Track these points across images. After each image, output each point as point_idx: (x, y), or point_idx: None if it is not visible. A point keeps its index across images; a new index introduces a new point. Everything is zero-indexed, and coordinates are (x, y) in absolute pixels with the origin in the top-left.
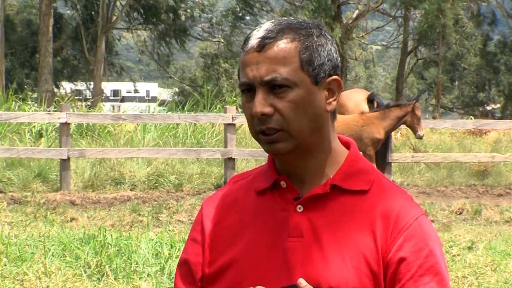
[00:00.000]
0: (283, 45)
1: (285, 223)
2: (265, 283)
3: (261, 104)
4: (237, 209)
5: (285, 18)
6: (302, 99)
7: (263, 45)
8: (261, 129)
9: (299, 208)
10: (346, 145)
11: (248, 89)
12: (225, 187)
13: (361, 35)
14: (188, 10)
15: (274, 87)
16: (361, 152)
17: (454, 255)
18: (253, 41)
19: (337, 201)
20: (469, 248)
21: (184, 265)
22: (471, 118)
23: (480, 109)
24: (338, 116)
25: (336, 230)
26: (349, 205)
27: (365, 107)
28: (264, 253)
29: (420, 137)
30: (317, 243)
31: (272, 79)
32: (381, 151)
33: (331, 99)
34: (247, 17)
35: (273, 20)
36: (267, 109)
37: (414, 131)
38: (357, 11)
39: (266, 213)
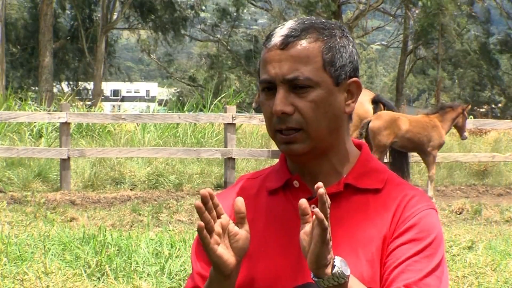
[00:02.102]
0: (306, 44)
1: (299, 222)
2: (279, 280)
3: (282, 102)
4: (248, 207)
5: (308, 17)
6: (323, 100)
7: (286, 43)
8: (280, 128)
9: (313, 208)
10: (358, 147)
11: (269, 87)
12: (235, 185)
13: (361, 35)
14: (186, 10)
15: (296, 86)
16: (432, 154)
17: (454, 255)
18: (276, 39)
19: (350, 199)
20: (469, 247)
21: (201, 251)
22: (471, 118)
23: (480, 109)
24: (410, 116)
25: (350, 227)
26: (363, 203)
27: (369, 107)
28: (278, 251)
29: (466, 138)
30: (332, 241)
31: (294, 78)
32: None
33: (350, 101)
34: (245, 17)
35: (296, 19)
36: (288, 108)
37: (461, 132)
38: (357, 11)
39: (279, 212)
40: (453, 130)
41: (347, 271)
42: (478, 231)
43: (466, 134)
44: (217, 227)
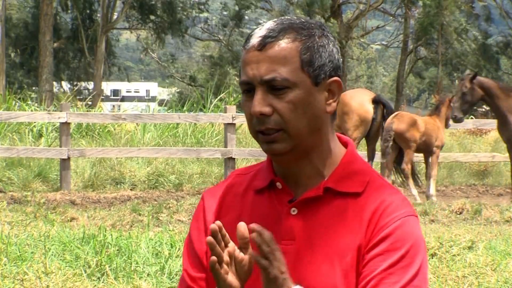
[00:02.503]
0: (284, 44)
1: (279, 225)
2: (258, 285)
3: (260, 103)
4: (236, 205)
5: (288, 17)
6: (302, 100)
7: (264, 44)
8: (260, 129)
9: (293, 211)
10: (345, 144)
11: (248, 89)
12: (226, 180)
13: (361, 35)
14: (188, 10)
15: (274, 87)
16: (436, 154)
17: (454, 255)
18: (255, 40)
19: (330, 204)
20: (469, 247)
21: (192, 251)
22: (471, 118)
23: (480, 109)
24: (423, 118)
25: (327, 233)
26: (342, 207)
27: (369, 107)
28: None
29: (450, 126)
30: (308, 247)
31: (272, 79)
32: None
33: (331, 100)
34: (247, 17)
35: (275, 19)
36: (266, 109)
37: (447, 122)
38: (357, 11)
39: (263, 213)
40: (453, 130)
41: None
42: (478, 231)
43: (451, 122)
44: (225, 257)
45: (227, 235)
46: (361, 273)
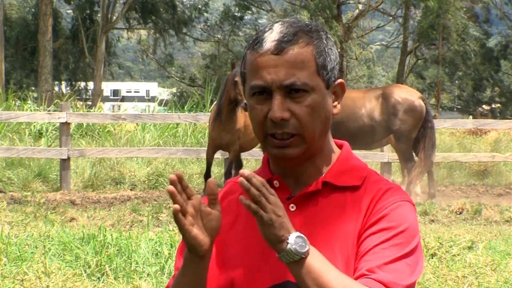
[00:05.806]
0: (300, 49)
1: None
2: (259, 281)
3: (279, 108)
4: (232, 210)
5: (292, 19)
6: (318, 104)
7: (281, 48)
8: (275, 132)
9: (292, 207)
10: (340, 146)
11: (260, 92)
12: (222, 189)
13: (361, 35)
14: (187, 11)
15: (291, 91)
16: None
17: (454, 255)
18: (269, 44)
19: (328, 197)
20: (469, 247)
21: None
22: (471, 118)
23: (480, 108)
24: None
25: (327, 225)
26: (340, 200)
27: None
28: (258, 252)
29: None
30: (310, 240)
31: (292, 84)
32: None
33: (336, 103)
34: (246, 17)
35: (281, 22)
36: (286, 114)
37: None
38: (357, 11)
39: None
40: (453, 130)
41: (304, 248)
42: (478, 231)
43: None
44: (189, 208)
45: (189, 187)
46: (358, 250)
